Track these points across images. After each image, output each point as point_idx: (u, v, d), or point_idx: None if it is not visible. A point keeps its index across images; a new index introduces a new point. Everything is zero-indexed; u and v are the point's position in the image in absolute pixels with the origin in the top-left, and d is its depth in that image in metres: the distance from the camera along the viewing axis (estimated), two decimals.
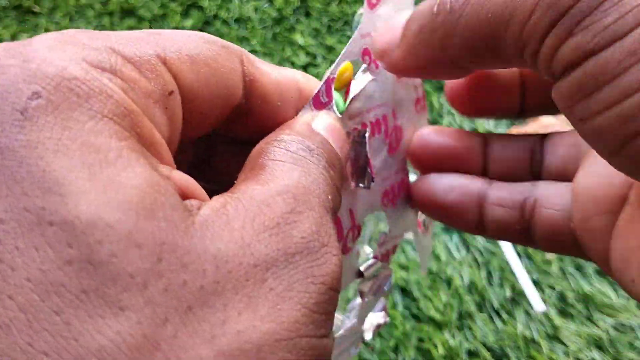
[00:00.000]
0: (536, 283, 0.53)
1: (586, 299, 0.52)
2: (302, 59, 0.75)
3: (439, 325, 0.50)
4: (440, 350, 0.48)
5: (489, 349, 0.49)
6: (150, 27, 0.78)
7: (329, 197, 0.16)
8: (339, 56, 0.21)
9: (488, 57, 0.17)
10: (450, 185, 0.24)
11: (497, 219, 0.24)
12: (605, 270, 0.21)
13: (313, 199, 0.15)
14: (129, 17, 0.79)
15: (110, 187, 0.11)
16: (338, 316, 0.28)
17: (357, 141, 0.22)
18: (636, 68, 0.14)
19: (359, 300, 0.28)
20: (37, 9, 0.80)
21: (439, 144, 0.25)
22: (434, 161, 0.25)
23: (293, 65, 0.75)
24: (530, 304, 0.52)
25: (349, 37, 0.22)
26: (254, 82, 0.18)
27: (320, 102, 0.20)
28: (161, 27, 0.78)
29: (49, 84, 0.12)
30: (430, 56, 0.19)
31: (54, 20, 0.78)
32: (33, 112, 0.12)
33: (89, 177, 0.11)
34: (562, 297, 0.53)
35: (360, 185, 0.22)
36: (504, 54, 0.17)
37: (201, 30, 0.78)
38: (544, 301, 0.52)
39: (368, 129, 0.22)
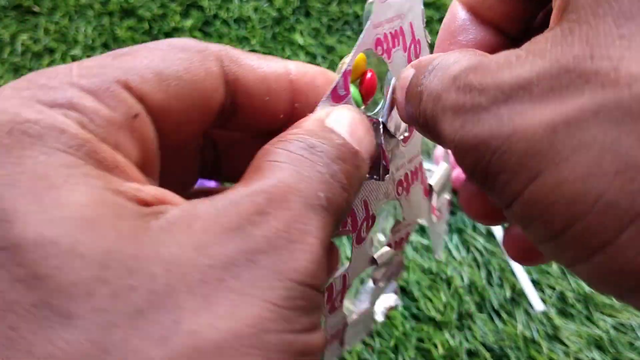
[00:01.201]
0: (536, 283, 0.53)
1: (586, 299, 0.52)
2: (302, 59, 0.75)
3: (439, 325, 0.50)
4: (440, 351, 0.48)
5: (489, 349, 0.49)
6: (150, 27, 0.78)
7: (321, 194, 0.16)
8: (355, 47, 0.20)
9: None
10: None
11: None
12: None
13: (294, 197, 0.15)
14: (128, 17, 0.79)
15: (53, 208, 0.12)
16: (348, 304, 0.28)
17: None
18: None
19: (371, 285, 0.28)
20: (37, 9, 0.80)
21: None
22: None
23: None
24: (530, 304, 0.52)
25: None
26: (237, 81, 0.18)
27: (338, 96, 0.20)
28: (161, 27, 0.78)
29: (1, 130, 0.13)
30: None
31: (54, 20, 0.78)
32: None
33: (33, 201, 0.12)
34: (562, 297, 0.53)
35: (375, 177, 0.21)
36: None
37: (201, 30, 0.78)
38: (544, 301, 0.52)
39: (381, 119, 0.22)
